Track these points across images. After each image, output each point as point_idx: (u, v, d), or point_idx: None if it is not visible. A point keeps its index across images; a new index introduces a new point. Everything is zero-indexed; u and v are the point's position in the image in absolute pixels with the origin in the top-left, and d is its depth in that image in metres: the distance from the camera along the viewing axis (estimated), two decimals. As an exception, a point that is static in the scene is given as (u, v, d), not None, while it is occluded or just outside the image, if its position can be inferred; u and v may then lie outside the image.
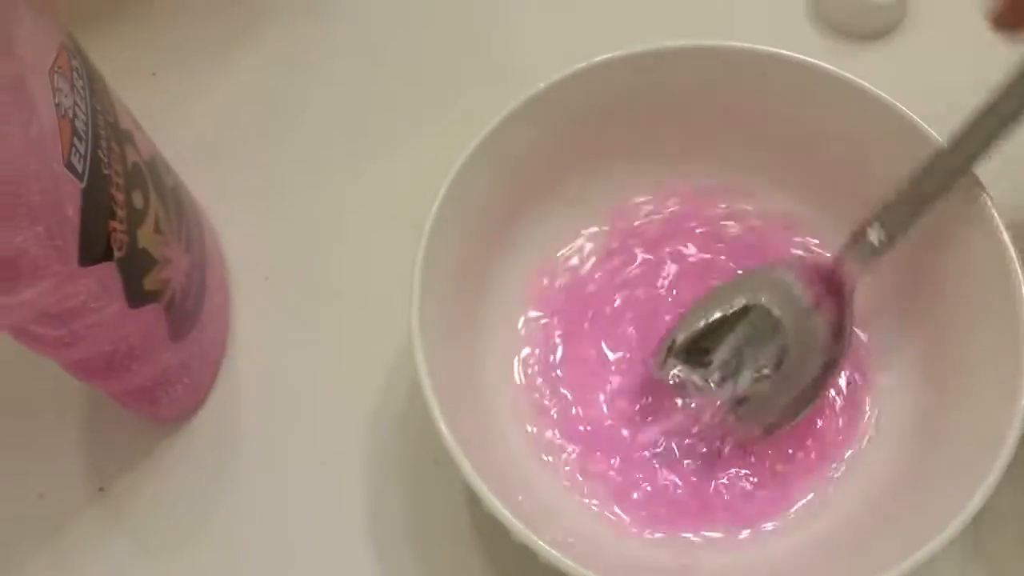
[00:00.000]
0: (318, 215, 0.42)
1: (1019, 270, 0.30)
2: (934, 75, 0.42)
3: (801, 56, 0.35)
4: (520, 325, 0.37)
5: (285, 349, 0.40)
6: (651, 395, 0.35)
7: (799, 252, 0.37)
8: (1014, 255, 0.31)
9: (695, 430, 0.34)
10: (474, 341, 0.35)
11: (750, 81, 0.36)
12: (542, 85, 0.34)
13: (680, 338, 0.35)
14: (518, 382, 0.36)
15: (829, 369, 0.34)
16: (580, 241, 0.38)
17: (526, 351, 0.36)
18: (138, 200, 0.31)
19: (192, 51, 0.47)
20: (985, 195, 0.32)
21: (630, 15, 0.47)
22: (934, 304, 0.34)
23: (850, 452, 0.34)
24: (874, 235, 0.33)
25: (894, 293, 0.35)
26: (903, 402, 0.34)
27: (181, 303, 0.34)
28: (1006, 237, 0.31)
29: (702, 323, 0.35)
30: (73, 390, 0.38)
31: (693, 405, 0.34)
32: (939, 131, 0.33)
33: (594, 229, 0.38)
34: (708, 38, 0.35)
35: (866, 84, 0.34)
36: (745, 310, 0.34)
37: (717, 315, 0.35)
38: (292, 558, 0.36)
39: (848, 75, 0.34)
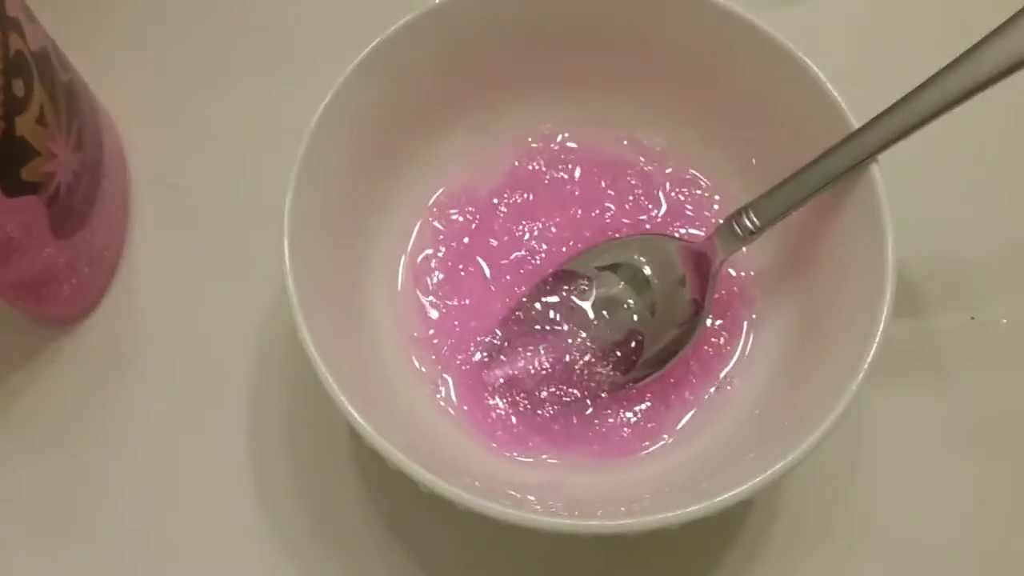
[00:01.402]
0: (226, 130, 0.42)
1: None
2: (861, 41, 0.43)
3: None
4: (412, 239, 0.37)
5: (181, 260, 0.39)
6: (527, 324, 0.36)
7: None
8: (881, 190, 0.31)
9: (571, 362, 0.35)
10: (360, 251, 0.35)
11: (665, 21, 0.35)
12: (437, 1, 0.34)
13: (569, 267, 0.36)
14: (399, 295, 0.36)
15: (681, 340, 0.35)
16: (479, 165, 0.38)
17: (413, 264, 0.37)
18: (19, 88, 0.31)
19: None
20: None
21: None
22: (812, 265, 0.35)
23: (724, 375, 0.35)
24: (746, 223, 0.33)
25: (777, 270, 0.36)
26: (778, 324, 0.35)
27: (67, 200, 0.34)
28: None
29: (593, 264, 0.36)
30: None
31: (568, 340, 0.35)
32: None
33: (497, 152, 0.38)
34: None
35: (785, 42, 0.34)
36: (629, 267, 0.36)
37: (607, 261, 0.36)
38: (171, 470, 0.36)
39: (767, 29, 0.34)
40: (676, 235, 0.37)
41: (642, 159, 0.39)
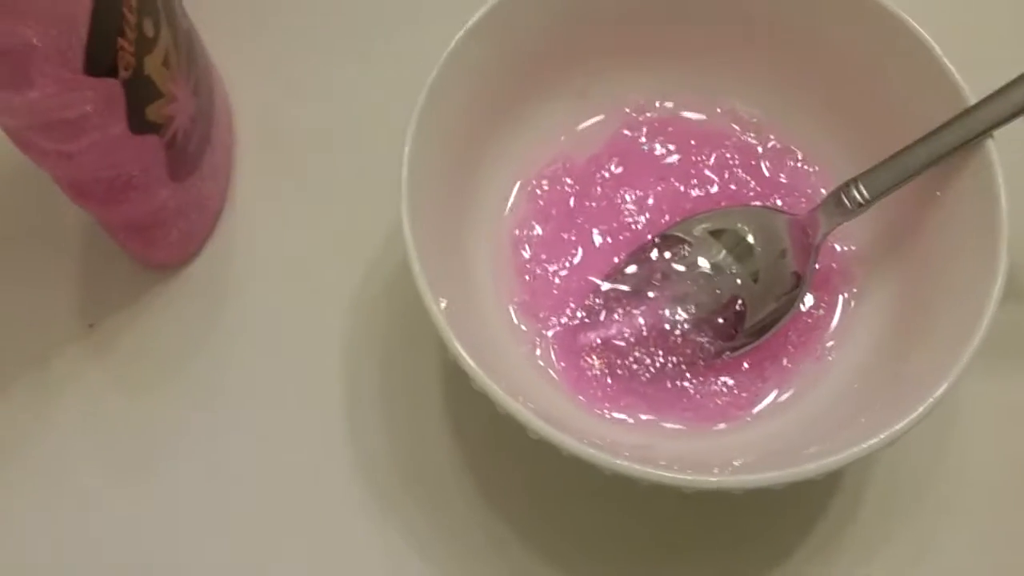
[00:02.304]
0: (330, 86, 0.43)
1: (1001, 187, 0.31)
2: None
3: None
4: (511, 199, 0.37)
5: (282, 213, 0.40)
6: (625, 287, 0.36)
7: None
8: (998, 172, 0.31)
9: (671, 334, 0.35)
10: (464, 210, 0.35)
11: None
12: None
13: (671, 232, 0.36)
14: (500, 256, 0.36)
15: (781, 312, 0.35)
16: (580, 131, 0.39)
17: (514, 226, 0.37)
18: (149, 28, 0.31)
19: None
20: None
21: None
22: (918, 223, 0.34)
23: (823, 348, 0.35)
24: (855, 195, 0.33)
25: (882, 243, 0.36)
26: (880, 299, 0.35)
27: (183, 144, 0.35)
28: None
29: (695, 230, 0.36)
30: (72, 227, 0.39)
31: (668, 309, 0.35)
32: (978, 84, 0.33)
33: (598, 119, 0.39)
34: None
35: (897, 10, 0.34)
36: (732, 235, 0.36)
37: (710, 227, 0.36)
38: (263, 414, 0.37)
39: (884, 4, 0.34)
40: (778, 207, 0.37)
41: (738, 129, 0.39)
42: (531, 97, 0.37)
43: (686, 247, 0.36)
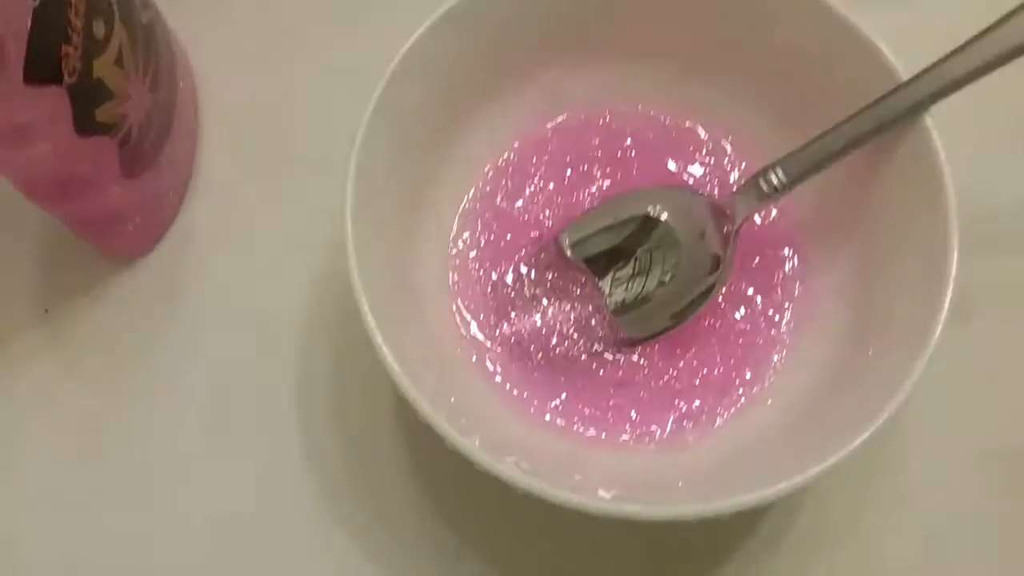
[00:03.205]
0: (299, 75, 0.42)
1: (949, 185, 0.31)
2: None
3: None
4: (458, 208, 0.37)
5: (245, 204, 0.40)
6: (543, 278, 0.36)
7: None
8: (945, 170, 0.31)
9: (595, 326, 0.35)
10: (410, 223, 0.35)
11: None
12: None
13: (583, 232, 0.36)
14: (447, 265, 0.36)
15: (702, 297, 0.35)
16: (519, 132, 0.38)
17: (459, 233, 0.37)
18: (99, 29, 0.31)
19: None
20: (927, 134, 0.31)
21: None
22: (866, 220, 0.34)
23: (765, 366, 0.35)
24: (773, 179, 0.33)
25: (828, 207, 0.36)
26: (827, 294, 0.35)
27: (138, 141, 0.35)
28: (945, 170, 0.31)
29: (610, 216, 0.36)
30: (32, 215, 0.39)
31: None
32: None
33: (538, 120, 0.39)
34: None
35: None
36: (650, 221, 0.35)
37: (625, 213, 0.36)
38: (212, 410, 0.37)
39: None
40: (695, 189, 0.37)
41: (673, 121, 0.38)
42: (479, 99, 0.37)
43: (601, 235, 0.35)
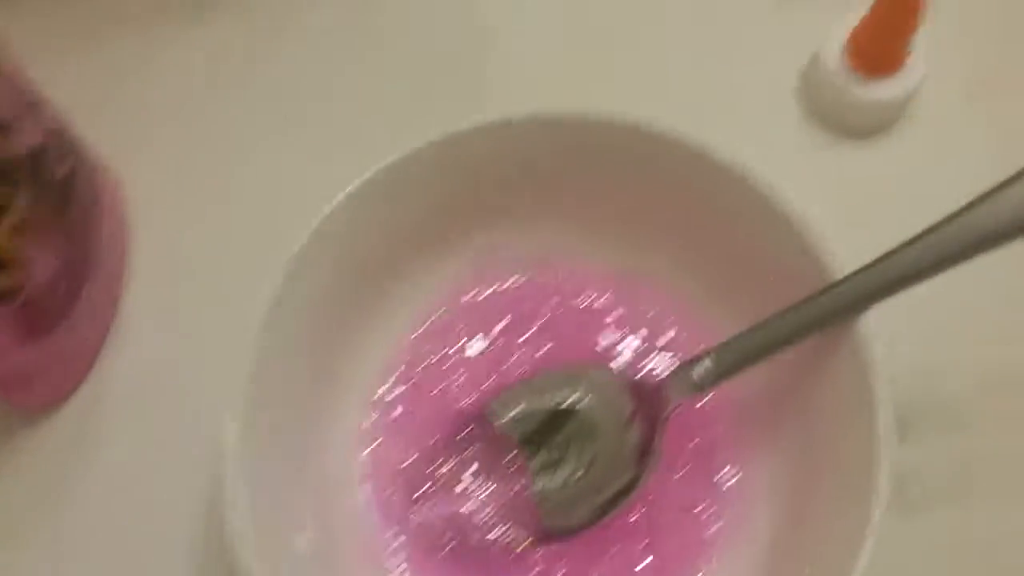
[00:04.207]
0: (226, 215, 0.41)
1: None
2: (916, 186, 0.39)
3: (693, 139, 0.32)
4: (372, 384, 0.35)
5: (167, 357, 0.38)
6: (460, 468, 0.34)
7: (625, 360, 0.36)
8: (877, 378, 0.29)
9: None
10: (317, 402, 0.34)
11: (635, 156, 0.33)
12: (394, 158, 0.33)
13: (509, 409, 0.34)
14: (357, 445, 0.34)
15: (628, 488, 0.32)
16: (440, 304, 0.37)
17: (373, 408, 0.35)
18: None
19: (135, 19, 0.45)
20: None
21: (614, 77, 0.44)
22: (798, 417, 0.32)
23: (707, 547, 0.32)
24: (702, 370, 0.31)
25: (762, 398, 0.34)
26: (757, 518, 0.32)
27: (42, 302, 0.33)
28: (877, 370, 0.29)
29: (536, 399, 0.34)
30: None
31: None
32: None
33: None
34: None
35: (774, 191, 0.32)
36: (574, 408, 0.33)
37: (550, 399, 0.34)
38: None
39: (754, 176, 0.32)
40: (623, 370, 0.35)
41: (607, 290, 0.36)
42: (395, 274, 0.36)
43: (521, 420, 0.33)
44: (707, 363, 0.31)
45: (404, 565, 0.32)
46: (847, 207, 0.39)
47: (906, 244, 0.29)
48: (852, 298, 0.29)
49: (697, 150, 0.32)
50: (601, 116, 0.33)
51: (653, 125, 0.32)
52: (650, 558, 0.32)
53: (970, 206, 0.28)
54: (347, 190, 0.32)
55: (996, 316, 0.38)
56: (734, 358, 0.31)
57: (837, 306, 0.29)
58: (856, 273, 0.29)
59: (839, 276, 0.30)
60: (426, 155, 0.33)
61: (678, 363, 0.32)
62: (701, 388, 0.31)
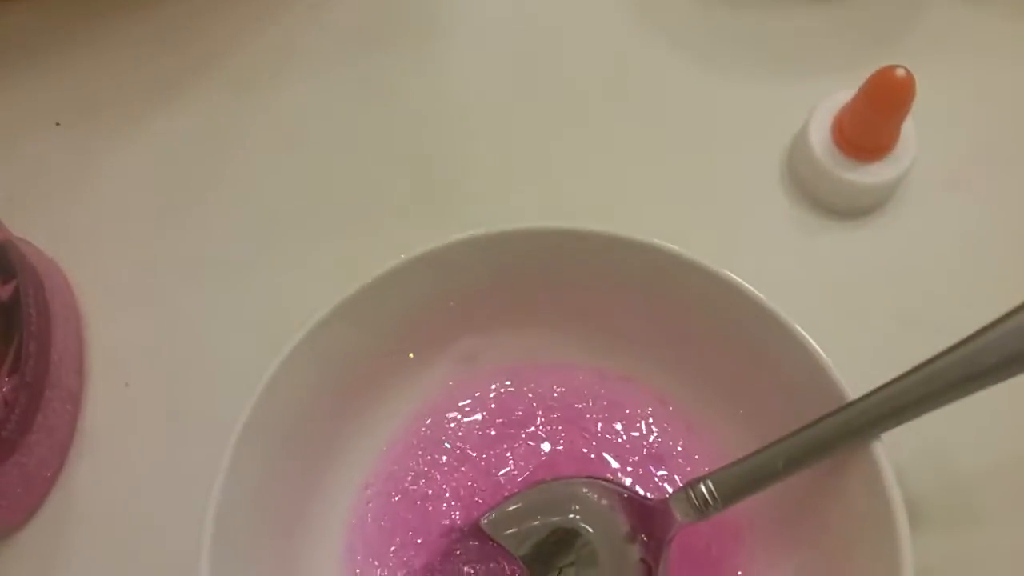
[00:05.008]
0: (190, 325, 0.39)
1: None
2: (905, 267, 0.38)
3: (695, 258, 0.31)
4: (356, 498, 0.34)
5: (130, 469, 0.37)
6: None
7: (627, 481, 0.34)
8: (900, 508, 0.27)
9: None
10: (297, 521, 0.32)
11: (644, 270, 0.32)
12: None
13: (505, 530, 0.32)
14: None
15: None
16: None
17: (357, 525, 0.33)
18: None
19: (104, 105, 0.44)
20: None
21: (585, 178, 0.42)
22: (811, 537, 0.31)
23: None
24: (704, 495, 0.29)
25: (774, 520, 0.32)
26: None
27: (-7, 435, 0.32)
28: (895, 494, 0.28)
29: (534, 516, 0.32)
30: None
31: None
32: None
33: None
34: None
35: (780, 313, 0.30)
36: (572, 531, 0.31)
37: (548, 518, 0.32)
38: None
39: (753, 291, 0.30)
40: (620, 487, 0.33)
41: (609, 401, 0.35)
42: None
43: (531, 533, 0.32)
44: (708, 487, 0.29)
45: None
46: (835, 289, 0.38)
47: (930, 361, 0.28)
48: (866, 421, 0.28)
49: (688, 262, 0.31)
50: (576, 228, 0.32)
51: (642, 239, 0.31)
52: None
53: (992, 326, 0.27)
54: (323, 311, 0.31)
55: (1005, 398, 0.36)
56: (735, 484, 0.29)
57: (849, 430, 0.28)
58: (871, 395, 0.28)
59: (850, 397, 0.28)
60: (401, 271, 0.32)
61: (684, 476, 0.31)
62: (705, 513, 0.30)
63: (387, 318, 0.33)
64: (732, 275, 0.31)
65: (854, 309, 0.37)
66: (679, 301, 0.32)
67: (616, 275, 0.33)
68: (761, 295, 0.30)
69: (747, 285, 0.30)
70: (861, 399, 0.28)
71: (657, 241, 0.31)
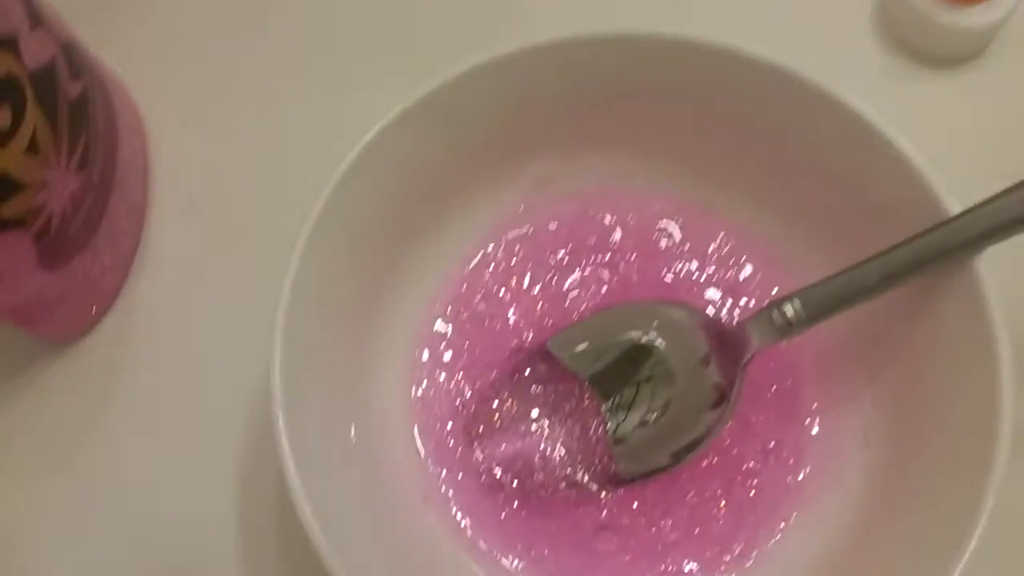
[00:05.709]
0: (260, 149, 0.38)
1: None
2: (1004, 118, 0.36)
3: (790, 67, 0.29)
4: (425, 317, 0.33)
5: (195, 285, 0.36)
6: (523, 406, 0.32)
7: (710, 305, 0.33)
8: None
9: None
10: (365, 335, 0.31)
11: (728, 82, 0.30)
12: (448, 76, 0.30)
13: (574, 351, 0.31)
14: (409, 381, 0.32)
15: (705, 433, 0.30)
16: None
17: (426, 343, 0.33)
18: (4, 118, 0.27)
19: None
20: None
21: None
22: (898, 361, 0.30)
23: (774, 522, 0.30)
24: (790, 312, 0.28)
25: (855, 340, 0.31)
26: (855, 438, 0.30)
27: (60, 229, 0.31)
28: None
29: (605, 336, 0.31)
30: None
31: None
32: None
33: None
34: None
35: (876, 118, 0.29)
36: (645, 348, 0.31)
37: (620, 337, 0.31)
38: (150, 506, 0.33)
39: (855, 103, 0.29)
40: (697, 310, 0.32)
41: (672, 226, 0.34)
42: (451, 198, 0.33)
43: (590, 358, 0.31)
44: (794, 305, 0.28)
45: (456, 507, 0.31)
46: (931, 139, 0.36)
47: None
48: (969, 236, 0.26)
49: (781, 71, 0.29)
50: (660, 35, 0.30)
51: (723, 43, 0.29)
52: (728, 505, 0.30)
53: None
54: (390, 115, 0.30)
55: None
56: (824, 301, 0.28)
57: (950, 245, 0.27)
58: (975, 208, 0.27)
59: (951, 211, 0.27)
60: (472, 78, 0.30)
61: (761, 304, 0.30)
62: (788, 333, 0.29)
63: (458, 128, 0.31)
64: (830, 85, 0.29)
65: (949, 156, 0.36)
66: (766, 118, 0.31)
67: (700, 89, 0.31)
68: (864, 105, 0.28)
69: (847, 94, 0.29)
70: (964, 213, 0.27)
71: (746, 47, 0.29)
